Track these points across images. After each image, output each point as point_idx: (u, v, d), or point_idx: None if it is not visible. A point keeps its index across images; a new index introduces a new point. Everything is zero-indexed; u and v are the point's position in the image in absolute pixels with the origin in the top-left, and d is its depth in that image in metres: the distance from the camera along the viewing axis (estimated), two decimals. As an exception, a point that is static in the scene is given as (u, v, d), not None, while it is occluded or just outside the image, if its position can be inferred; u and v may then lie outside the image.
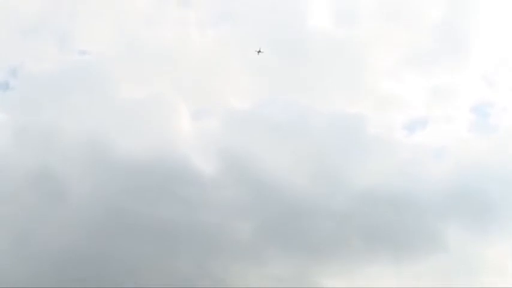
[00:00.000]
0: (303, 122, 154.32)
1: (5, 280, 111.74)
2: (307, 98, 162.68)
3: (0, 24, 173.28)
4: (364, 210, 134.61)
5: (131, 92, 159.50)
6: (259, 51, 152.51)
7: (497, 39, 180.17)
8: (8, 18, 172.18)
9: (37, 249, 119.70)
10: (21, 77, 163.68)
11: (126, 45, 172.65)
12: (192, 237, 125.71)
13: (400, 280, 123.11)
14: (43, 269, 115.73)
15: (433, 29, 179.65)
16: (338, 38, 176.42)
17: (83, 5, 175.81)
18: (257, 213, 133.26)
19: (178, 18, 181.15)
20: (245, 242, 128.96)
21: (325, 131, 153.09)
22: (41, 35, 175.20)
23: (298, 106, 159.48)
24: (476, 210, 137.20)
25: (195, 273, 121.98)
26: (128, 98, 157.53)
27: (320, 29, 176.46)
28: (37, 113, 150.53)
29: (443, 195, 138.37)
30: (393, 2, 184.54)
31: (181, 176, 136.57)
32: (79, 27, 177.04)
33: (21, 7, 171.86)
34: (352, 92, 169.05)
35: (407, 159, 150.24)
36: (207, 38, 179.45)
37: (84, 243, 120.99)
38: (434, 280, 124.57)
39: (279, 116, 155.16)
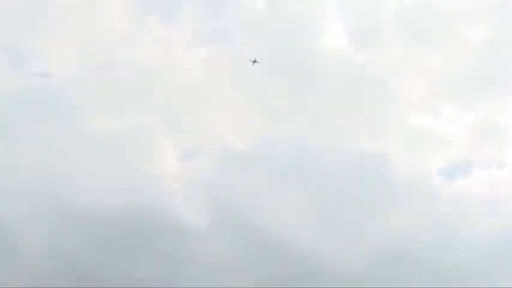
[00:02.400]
0: (312, 164, 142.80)
1: None
2: (318, 134, 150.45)
3: None
4: (389, 273, 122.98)
5: (103, 123, 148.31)
6: (254, 61, 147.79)
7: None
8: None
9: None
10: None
11: (97, 67, 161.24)
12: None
13: None
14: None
15: (473, 53, 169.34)
16: (356, 62, 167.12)
17: (46, 19, 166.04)
18: (256, 272, 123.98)
19: (162, 36, 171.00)
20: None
21: (339, 174, 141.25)
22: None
23: (307, 144, 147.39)
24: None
25: None
26: (99, 130, 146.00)
27: (334, 51, 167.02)
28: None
29: (493, 257, 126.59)
30: (424, 20, 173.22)
31: (164, 226, 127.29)
32: (40, 44, 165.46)
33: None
34: (374, 127, 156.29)
35: (447, 211, 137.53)
36: (196, 60, 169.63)
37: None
38: None
39: (283, 156, 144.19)
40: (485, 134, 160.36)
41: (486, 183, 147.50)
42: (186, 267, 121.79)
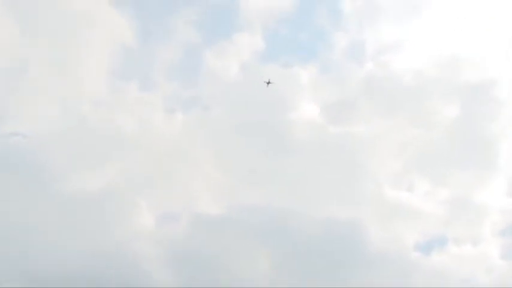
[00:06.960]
0: (285, 230, 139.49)
1: None
2: (291, 201, 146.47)
3: None
4: None
5: (75, 185, 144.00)
6: (268, 82, 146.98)
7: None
8: None
9: None
10: None
11: (72, 129, 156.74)
12: None
13: None
14: None
15: (447, 128, 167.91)
16: (329, 133, 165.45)
17: (20, 80, 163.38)
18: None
19: (138, 101, 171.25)
20: None
21: (312, 241, 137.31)
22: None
23: (280, 211, 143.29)
24: None
25: None
26: (71, 192, 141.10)
27: (307, 121, 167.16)
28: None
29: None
30: (398, 94, 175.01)
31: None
32: (10, 103, 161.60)
33: None
34: (347, 198, 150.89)
35: (423, 285, 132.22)
36: (172, 125, 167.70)
37: None
38: None
39: (257, 223, 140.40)
40: (459, 210, 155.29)
41: (461, 259, 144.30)
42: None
